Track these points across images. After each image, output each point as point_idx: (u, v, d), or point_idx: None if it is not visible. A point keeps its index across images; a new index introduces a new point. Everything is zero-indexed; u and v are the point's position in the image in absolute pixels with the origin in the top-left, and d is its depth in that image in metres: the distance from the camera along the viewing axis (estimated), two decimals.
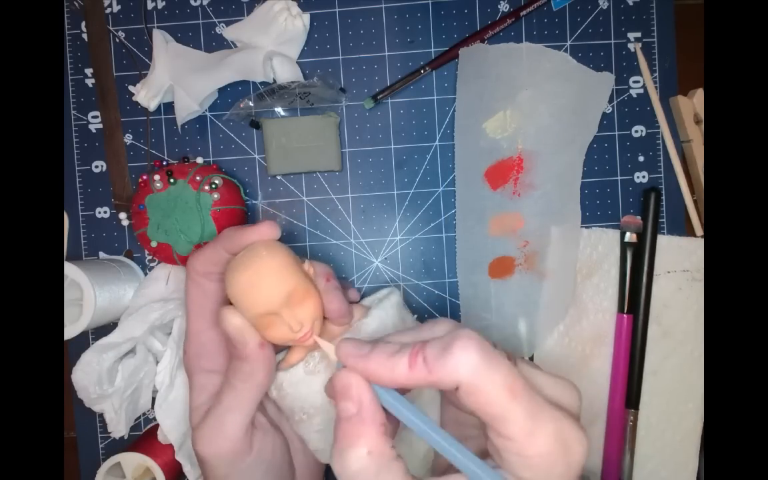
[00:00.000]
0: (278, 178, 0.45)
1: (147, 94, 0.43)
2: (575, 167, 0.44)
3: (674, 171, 0.45)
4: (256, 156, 0.45)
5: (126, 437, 0.45)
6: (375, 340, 0.27)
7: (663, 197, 0.45)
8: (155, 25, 0.45)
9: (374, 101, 0.44)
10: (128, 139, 0.45)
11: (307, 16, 0.44)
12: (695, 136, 0.43)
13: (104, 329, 0.43)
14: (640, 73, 0.44)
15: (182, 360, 0.35)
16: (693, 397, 0.44)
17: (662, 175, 0.45)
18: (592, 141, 0.44)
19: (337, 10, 0.45)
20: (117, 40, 0.45)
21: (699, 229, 0.45)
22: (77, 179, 0.46)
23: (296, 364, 0.33)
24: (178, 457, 0.41)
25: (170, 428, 0.41)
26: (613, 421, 0.44)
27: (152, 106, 0.44)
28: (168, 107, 0.45)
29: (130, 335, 0.41)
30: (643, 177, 0.45)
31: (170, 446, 0.42)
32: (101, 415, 0.46)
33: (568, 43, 0.45)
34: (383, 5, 0.45)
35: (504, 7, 0.44)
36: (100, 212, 0.46)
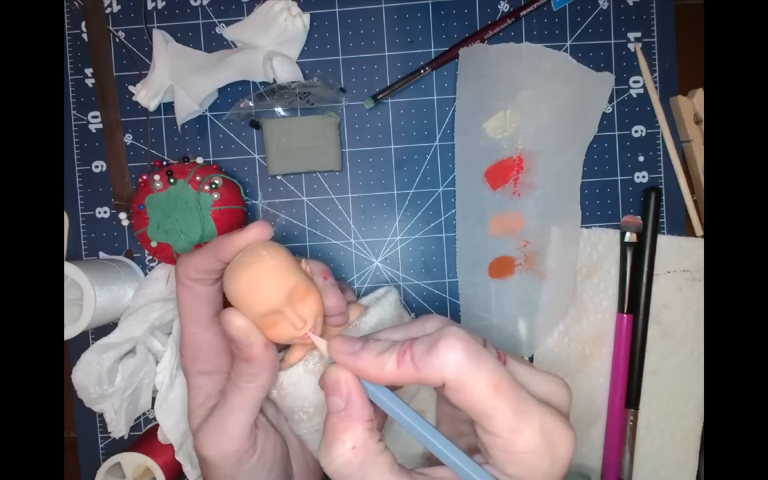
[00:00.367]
0: (278, 178, 0.45)
1: (147, 94, 0.43)
2: (575, 167, 0.44)
3: (674, 171, 0.45)
4: (256, 156, 0.45)
5: (126, 437, 0.45)
6: (366, 336, 0.27)
7: (663, 197, 0.45)
8: (155, 25, 0.45)
9: (374, 101, 0.44)
10: (128, 139, 0.45)
11: (307, 16, 0.44)
12: (695, 136, 0.43)
13: (104, 329, 0.43)
14: (640, 73, 0.44)
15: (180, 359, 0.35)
16: (693, 397, 0.44)
17: (662, 175, 0.45)
18: (592, 141, 0.44)
19: (337, 10, 0.45)
20: (117, 40, 0.45)
21: (699, 229, 0.45)
22: (77, 179, 0.46)
23: (296, 364, 0.33)
24: (178, 457, 0.41)
25: (170, 428, 0.41)
26: (612, 421, 0.44)
27: (152, 106, 0.44)
28: (168, 107, 0.45)
29: (130, 335, 0.41)
30: (643, 177, 0.45)
31: (170, 446, 0.42)
32: (101, 415, 0.46)
33: (568, 43, 0.45)
34: (383, 5, 0.45)
35: (504, 7, 0.44)
36: (100, 212, 0.46)
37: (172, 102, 0.44)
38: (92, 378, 0.39)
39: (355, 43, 0.45)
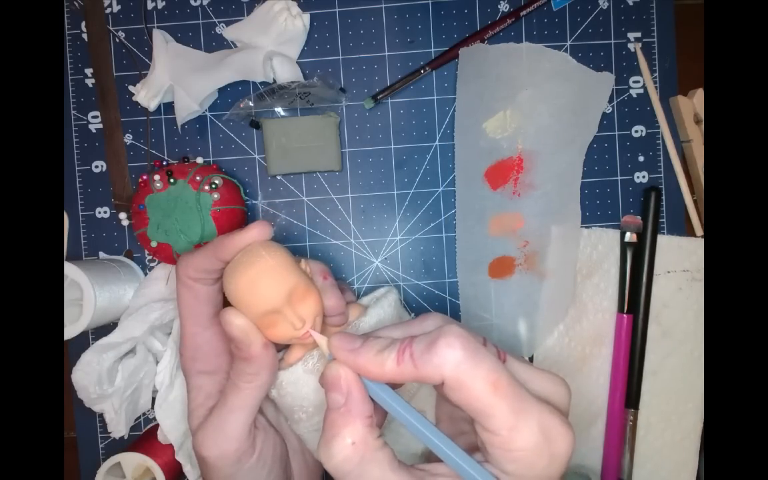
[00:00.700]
0: (278, 178, 0.45)
1: (147, 94, 0.43)
2: (575, 167, 0.44)
3: (674, 171, 0.45)
4: (256, 156, 0.45)
5: (126, 437, 0.45)
6: (366, 334, 0.27)
7: (663, 197, 0.45)
8: (155, 25, 0.45)
9: (374, 101, 0.44)
10: (128, 139, 0.45)
11: (307, 16, 0.44)
12: (695, 136, 0.43)
13: (104, 329, 0.43)
14: (640, 73, 0.44)
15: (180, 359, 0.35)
16: (693, 397, 0.44)
17: (662, 175, 0.45)
18: (592, 141, 0.44)
19: (337, 10, 0.45)
20: (117, 40, 0.45)
21: (699, 229, 0.45)
22: (77, 179, 0.46)
23: (295, 364, 0.33)
24: (179, 457, 0.41)
25: (170, 428, 0.41)
26: (612, 421, 0.44)
27: (152, 106, 0.44)
28: (168, 107, 0.45)
29: (130, 335, 0.41)
30: (643, 177, 0.45)
31: (170, 446, 0.42)
32: (101, 415, 0.46)
33: (568, 43, 0.45)
34: (383, 5, 0.45)
35: (504, 7, 0.44)
36: (100, 212, 0.46)
37: (172, 102, 0.44)
38: (92, 378, 0.39)
39: (355, 43, 0.45)
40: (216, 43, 0.45)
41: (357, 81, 0.45)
